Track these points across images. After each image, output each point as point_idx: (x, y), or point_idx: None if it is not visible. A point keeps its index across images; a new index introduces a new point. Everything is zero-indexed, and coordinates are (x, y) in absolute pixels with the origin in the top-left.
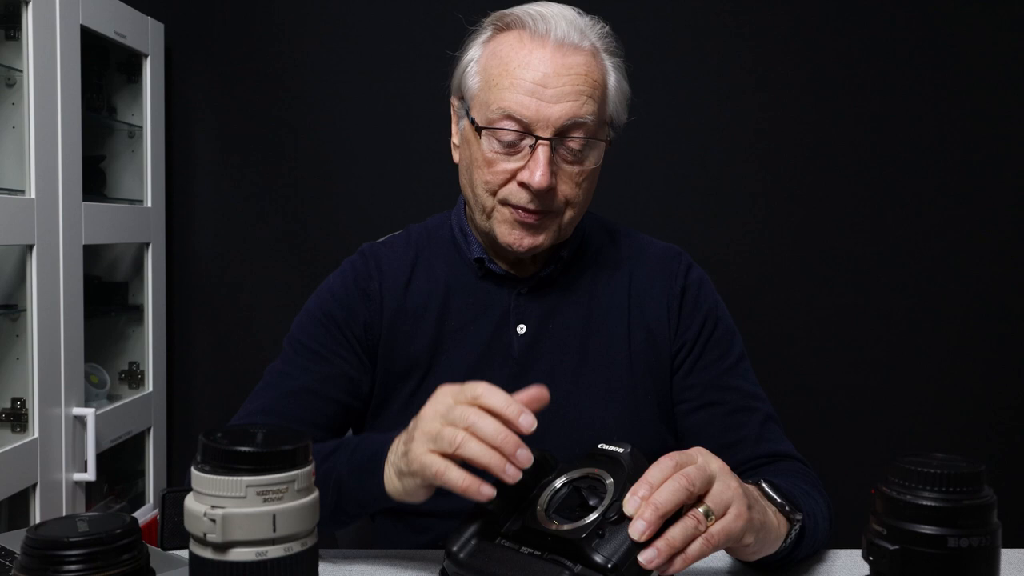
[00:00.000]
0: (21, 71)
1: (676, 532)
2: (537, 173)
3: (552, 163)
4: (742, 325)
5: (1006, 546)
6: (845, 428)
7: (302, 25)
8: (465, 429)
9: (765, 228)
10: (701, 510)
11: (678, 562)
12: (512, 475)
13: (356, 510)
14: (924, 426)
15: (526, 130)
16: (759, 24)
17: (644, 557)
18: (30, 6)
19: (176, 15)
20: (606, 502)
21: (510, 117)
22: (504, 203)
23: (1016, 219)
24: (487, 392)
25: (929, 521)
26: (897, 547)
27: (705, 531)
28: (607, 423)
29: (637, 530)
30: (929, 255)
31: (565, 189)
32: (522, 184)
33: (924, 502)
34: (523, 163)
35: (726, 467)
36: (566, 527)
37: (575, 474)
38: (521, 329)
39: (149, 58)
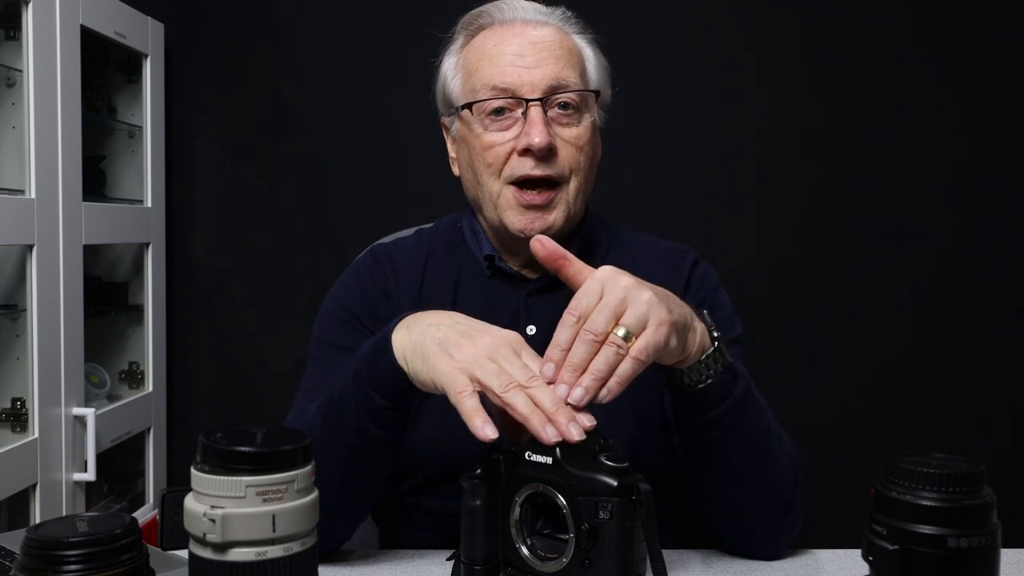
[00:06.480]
0: (21, 71)
1: (599, 363)
2: (534, 131)
3: (548, 125)
4: (743, 325)
5: (1006, 546)
6: (845, 428)
7: (302, 25)
8: (519, 387)
9: (765, 228)
10: (620, 333)
11: (613, 385)
12: (551, 435)
13: (377, 400)
14: (924, 426)
15: (514, 96)
16: (761, 23)
17: (573, 396)
18: (30, 6)
19: (176, 15)
20: (570, 550)
21: (496, 88)
22: (510, 182)
23: (1016, 219)
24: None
25: (929, 521)
26: (897, 547)
27: (627, 353)
28: (614, 423)
29: (561, 395)
30: (929, 255)
31: (566, 155)
32: (524, 152)
33: (924, 502)
34: (519, 132)
35: (633, 280)
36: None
37: (526, 491)
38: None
39: (149, 58)
